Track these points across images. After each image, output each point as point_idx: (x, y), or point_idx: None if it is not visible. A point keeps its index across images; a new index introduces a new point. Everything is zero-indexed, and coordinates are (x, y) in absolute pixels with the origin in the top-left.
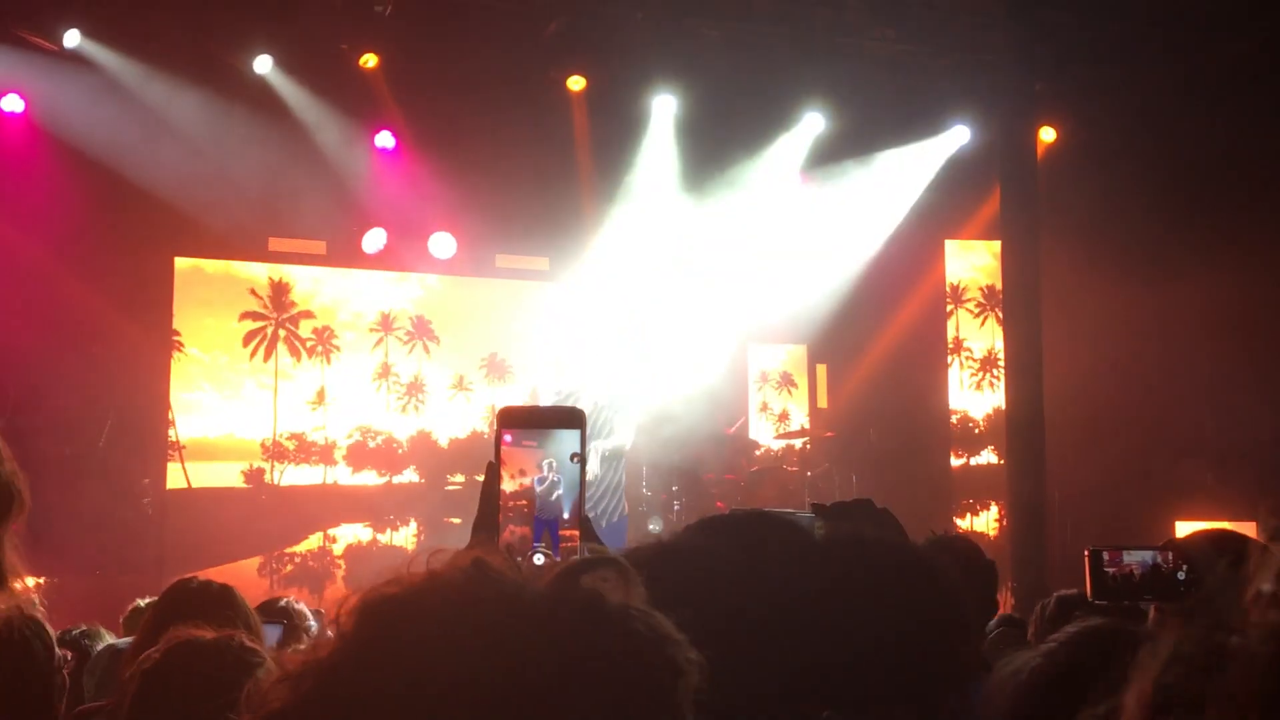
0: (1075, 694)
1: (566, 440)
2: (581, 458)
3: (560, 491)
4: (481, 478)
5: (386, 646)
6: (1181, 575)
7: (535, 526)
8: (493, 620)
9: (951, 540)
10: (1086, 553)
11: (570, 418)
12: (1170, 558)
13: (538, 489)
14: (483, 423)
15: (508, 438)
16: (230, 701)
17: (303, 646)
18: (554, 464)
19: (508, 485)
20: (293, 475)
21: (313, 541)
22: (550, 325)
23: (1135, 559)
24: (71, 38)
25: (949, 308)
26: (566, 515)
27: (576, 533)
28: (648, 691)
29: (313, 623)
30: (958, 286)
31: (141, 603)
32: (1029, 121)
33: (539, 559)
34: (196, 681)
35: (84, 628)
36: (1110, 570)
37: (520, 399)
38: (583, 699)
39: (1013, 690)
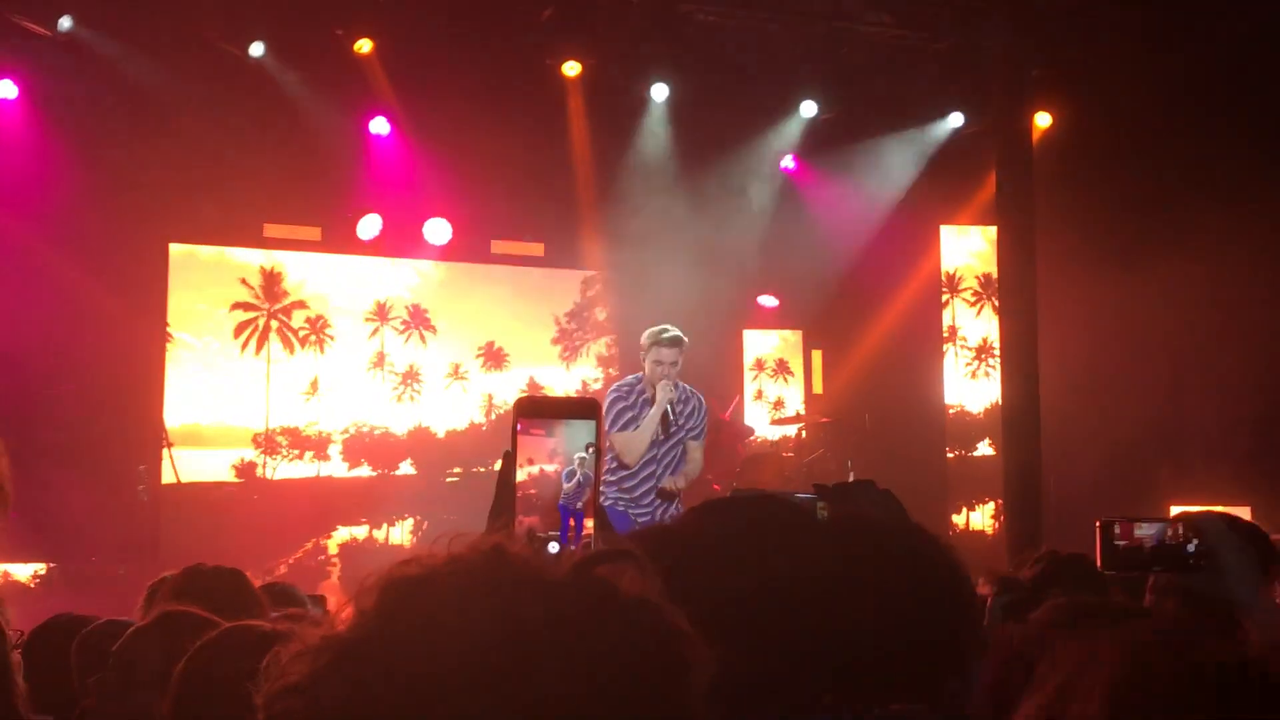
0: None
1: (581, 431)
2: (597, 448)
3: (583, 483)
4: (480, 469)
5: (403, 624)
6: (1191, 548)
7: (562, 516)
8: (508, 604)
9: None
10: (1098, 524)
11: (586, 408)
12: (1180, 530)
13: (564, 482)
14: (480, 413)
15: (523, 427)
16: None
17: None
18: (583, 455)
19: (519, 475)
20: (285, 469)
21: (306, 538)
22: (553, 314)
23: (1146, 532)
24: (65, 22)
25: (945, 296)
26: (581, 505)
27: (591, 521)
28: (654, 685)
29: (310, 608)
30: (953, 275)
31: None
32: (1024, 107)
33: (553, 547)
34: (249, 668)
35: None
36: (1121, 543)
37: (518, 387)
38: (590, 688)
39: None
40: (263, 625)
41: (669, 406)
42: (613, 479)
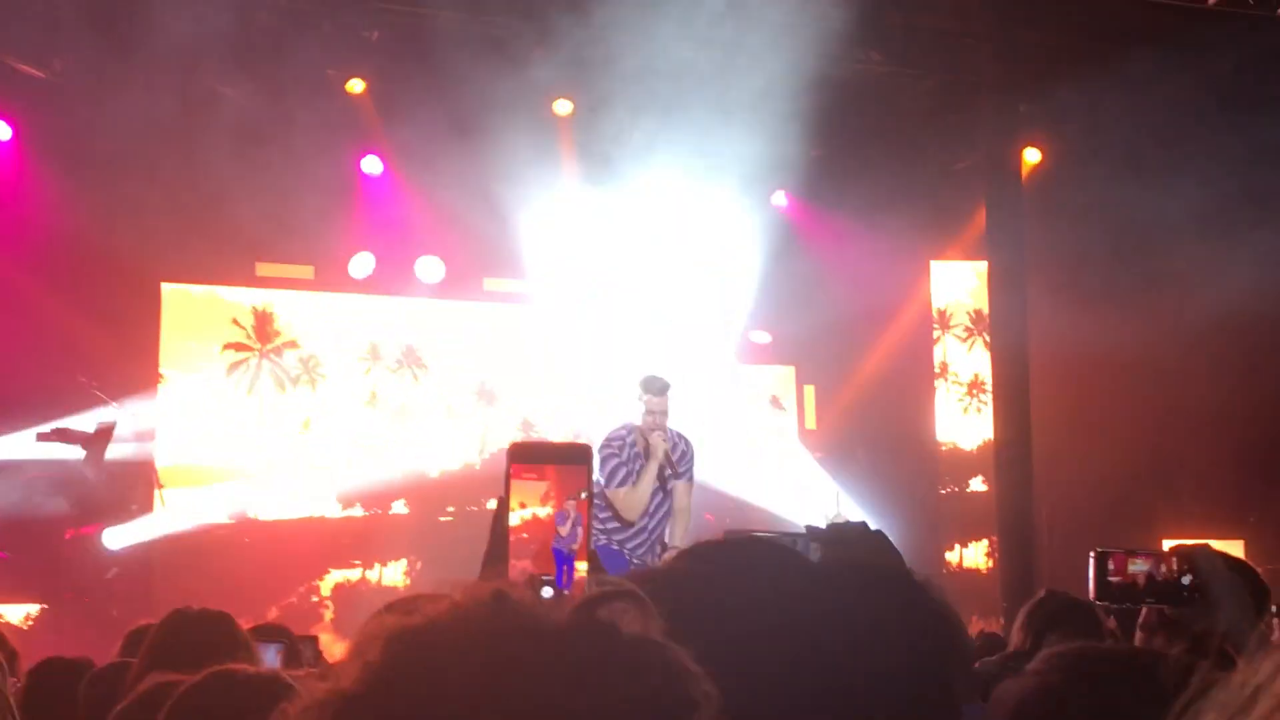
0: None
1: (574, 475)
2: (589, 493)
3: (577, 526)
4: (473, 508)
5: (407, 678)
6: (1185, 581)
7: (556, 560)
8: (511, 652)
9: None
10: (1093, 554)
11: (578, 453)
12: (1173, 565)
13: (558, 524)
14: (474, 452)
15: (516, 472)
16: None
17: (309, 671)
18: (574, 499)
19: (513, 519)
20: (277, 510)
21: (299, 580)
22: (545, 352)
23: (1140, 568)
24: (59, 65)
25: (936, 333)
26: (575, 549)
27: (584, 564)
28: None
29: (302, 649)
30: (944, 311)
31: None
32: (1013, 143)
33: (547, 592)
34: (234, 713)
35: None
36: (1114, 579)
37: (512, 426)
38: None
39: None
40: (246, 669)
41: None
42: (603, 529)
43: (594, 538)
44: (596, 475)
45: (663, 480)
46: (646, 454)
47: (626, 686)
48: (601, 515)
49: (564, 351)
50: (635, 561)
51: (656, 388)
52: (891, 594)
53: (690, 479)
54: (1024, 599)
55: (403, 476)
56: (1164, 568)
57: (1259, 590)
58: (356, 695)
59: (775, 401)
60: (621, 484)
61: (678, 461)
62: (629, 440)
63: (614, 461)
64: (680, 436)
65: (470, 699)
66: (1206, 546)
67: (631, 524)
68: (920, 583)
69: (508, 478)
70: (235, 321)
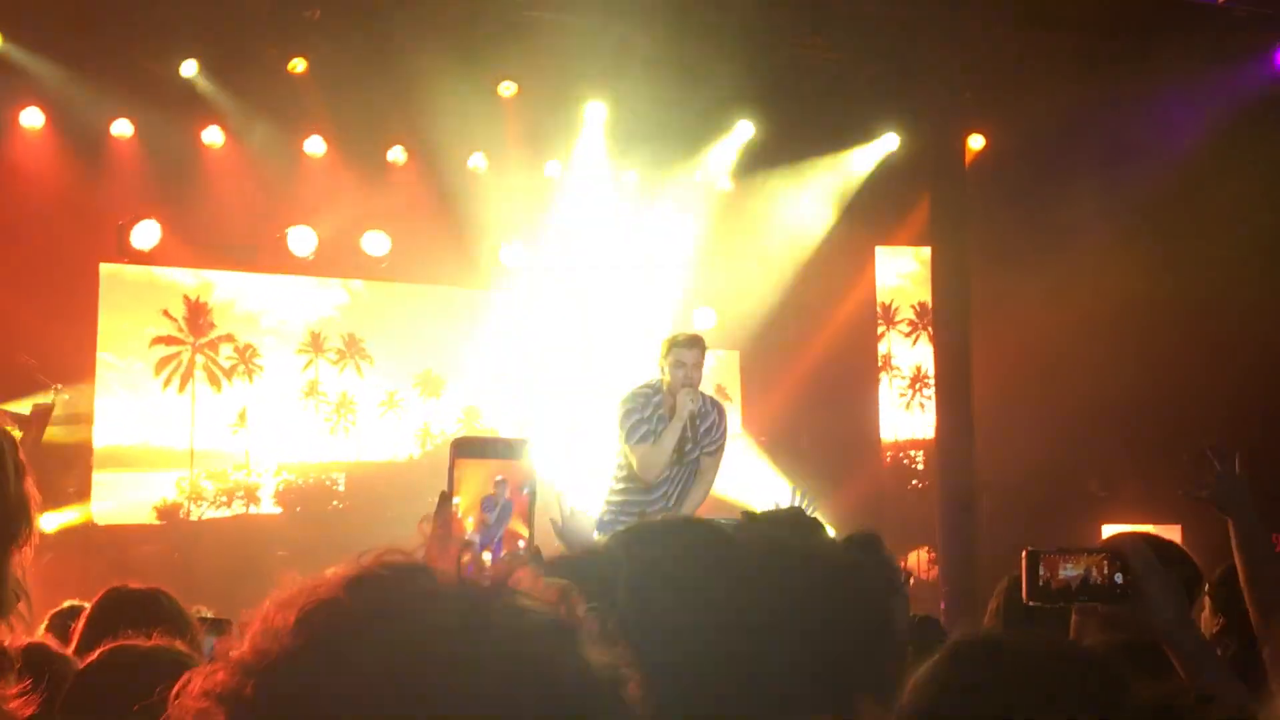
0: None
1: (516, 470)
2: (531, 489)
3: (510, 520)
4: (416, 504)
5: (316, 654)
6: (1119, 579)
7: (476, 549)
8: (424, 634)
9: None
10: (1024, 553)
11: (519, 448)
12: (1104, 567)
13: (485, 509)
14: (417, 445)
15: (458, 467)
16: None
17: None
18: (504, 493)
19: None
20: (213, 509)
21: (234, 582)
22: (489, 337)
23: (1071, 573)
24: None
25: (881, 328)
26: (522, 545)
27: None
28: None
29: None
30: (889, 305)
31: (69, 603)
32: (956, 129)
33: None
34: (130, 688)
35: None
36: (1046, 581)
37: (455, 415)
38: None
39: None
40: (140, 643)
41: (688, 420)
42: (620, 499)
43: (606, 516)
44: (621, 437)
45: (683, 448)
46: (672, 413)
47: (531, 671)
48: (619, 475)
49: (510, 337)
50: None
51: (684, 340)
52: (816, 575)
53: (716, 453)
54: (965, 589)
55: (343, 471)
56: (1095, 568)
57: (1190, 576)
58: (265, 667)
59: (720, 391)
60: (642, 440)
61: (704, 432)
62: (655, 399)
63: (635, 417)
64: (713, 404)
65: (375, 682)
66: (1137, 540)
67: (650, 486)
68: (847, 565)
69: (451, 471)
70: (166, 313)
